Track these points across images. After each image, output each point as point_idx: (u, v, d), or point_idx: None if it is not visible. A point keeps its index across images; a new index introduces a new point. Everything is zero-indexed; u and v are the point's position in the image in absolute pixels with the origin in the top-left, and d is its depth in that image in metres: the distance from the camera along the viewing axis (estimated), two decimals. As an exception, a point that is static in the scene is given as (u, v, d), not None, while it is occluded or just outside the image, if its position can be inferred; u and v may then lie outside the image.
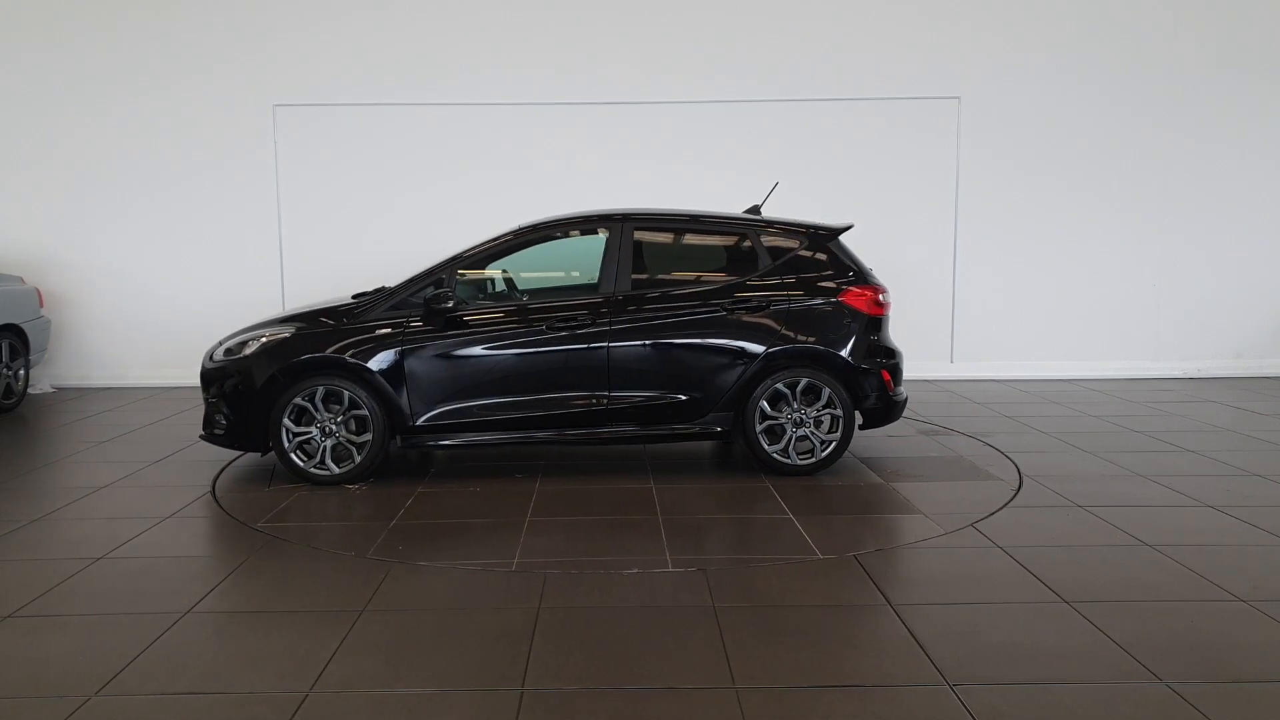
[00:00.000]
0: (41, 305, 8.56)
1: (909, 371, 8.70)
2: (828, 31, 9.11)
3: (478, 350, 5.47)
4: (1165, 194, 9.32)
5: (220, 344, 5.74)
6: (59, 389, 9.07)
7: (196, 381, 5.97)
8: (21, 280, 8.44)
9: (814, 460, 5.60)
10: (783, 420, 5.60)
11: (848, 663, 3.17)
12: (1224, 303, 9.44)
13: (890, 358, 5.73)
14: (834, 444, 5.60)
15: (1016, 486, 5.40)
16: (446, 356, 5.45)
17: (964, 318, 9.45)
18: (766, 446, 5.57)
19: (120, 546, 4.41)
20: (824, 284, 5.68)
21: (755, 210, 6.23)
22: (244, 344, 5.55)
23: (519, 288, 6.32)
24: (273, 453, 5.53)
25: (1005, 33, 9.15)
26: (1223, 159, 9.29)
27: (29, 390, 8.48)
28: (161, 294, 9.22)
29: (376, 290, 5.77)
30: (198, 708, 2.90)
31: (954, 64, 9.16)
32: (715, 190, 8.30)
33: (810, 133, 9.20)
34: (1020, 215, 9.33)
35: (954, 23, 9.12)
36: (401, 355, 5.40)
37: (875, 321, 5.69)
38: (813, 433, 5.60)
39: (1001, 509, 4.90)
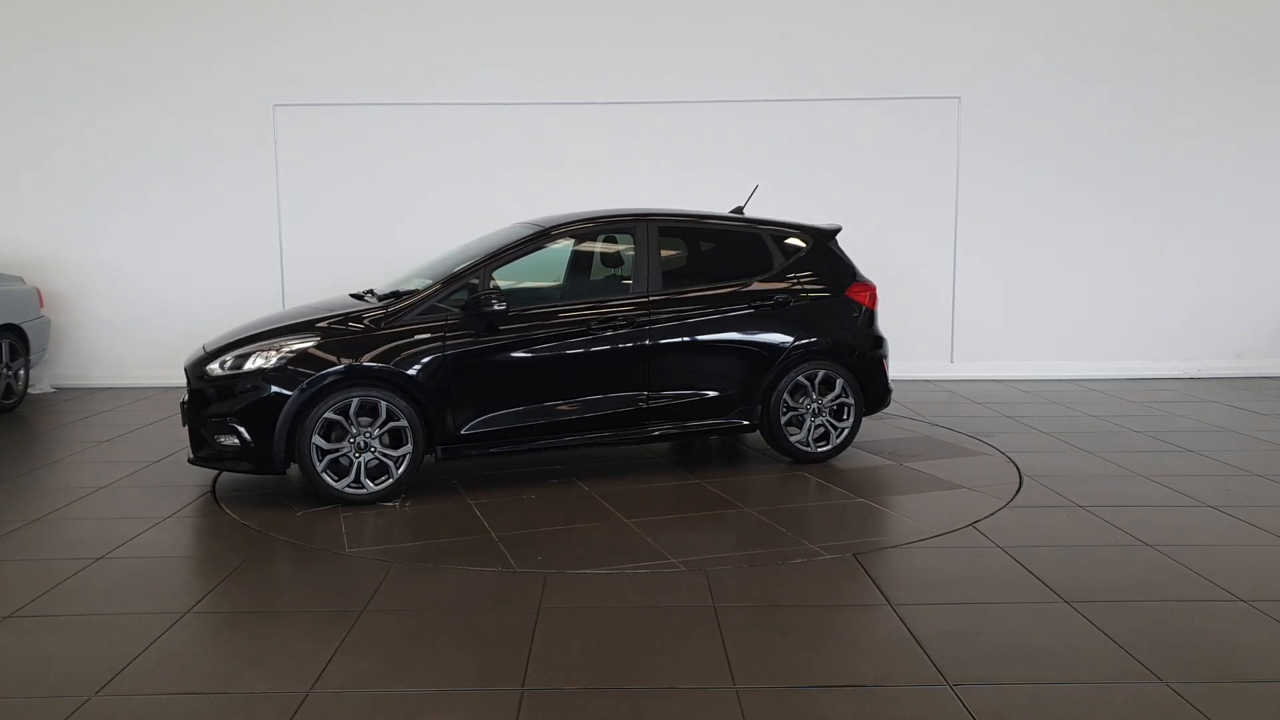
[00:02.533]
0: (41, 305, 8.56)
1: (909, 371, 8.82)
2: (827, 31, 9.10)
3: (526, 354, 5.28)
4: (1165, 194, 9.31)
5: (210, 355, 5.16)
6: (59, 389, 9.07)
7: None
8: (21, 280, 8.44)
9: (830, 447, 5.93)
10: (802, 411, 5.85)
11: (848, 663, 3.17)
12: (1224, 303, 9.43)
13: (882, 347, 6.14)
14: (847, 431, 5.96)
15: (1005, 459, 5.74)
16: (493, 361, 5.21)
17: (964, 318, 9.44)
18: (790, 436, 5.83)
19: (120, 546, 4.41)
20: (833, 281, 6.05)
21: (739, 211, 6.41)
22: (248, 355, 5.02)
23: (543, 287, 6.03)
24: (274, 474, 5.09)
25: (1005, 33, 9.14)
26: (1222, 159, 9.27)
27: (29, 390, 8.47)
28: (162, 294, 9.21)
29: (388, 294, 5.49)
30: (198, 708, 2.90)
31: (954, 64, 9.15)
32: (715, 190, 8.28)
33: (810, 133, 9.19)
34: (1020, 215, 9.32)
35: (954, 23, 9.11)
36: (444, 362, 5.10)
37: (872, 315, 6.13)
38: (828, 420, 5.89)
39: (1002, 509, 4.90)
